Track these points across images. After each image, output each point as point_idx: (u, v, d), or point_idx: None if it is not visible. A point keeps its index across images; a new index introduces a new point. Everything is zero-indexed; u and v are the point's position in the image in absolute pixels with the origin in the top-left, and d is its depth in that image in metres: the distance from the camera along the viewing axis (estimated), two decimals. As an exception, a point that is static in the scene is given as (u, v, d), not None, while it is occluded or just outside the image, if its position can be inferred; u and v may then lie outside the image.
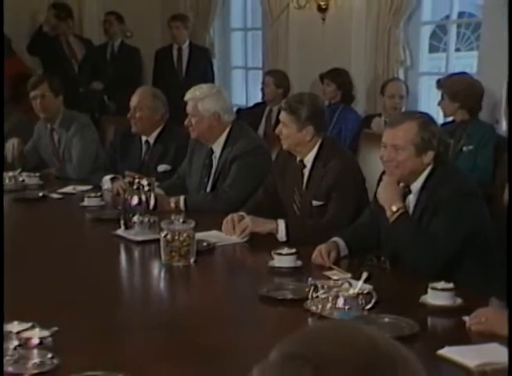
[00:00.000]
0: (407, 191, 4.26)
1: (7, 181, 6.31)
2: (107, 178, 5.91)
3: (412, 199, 4.26)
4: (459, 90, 6.59)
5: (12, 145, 7.05)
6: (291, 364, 1.22)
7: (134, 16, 10.17)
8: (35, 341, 3.01)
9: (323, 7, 8.60)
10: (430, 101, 7.32)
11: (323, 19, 8.68)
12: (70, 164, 6.78)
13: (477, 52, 7.98)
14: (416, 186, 4.23)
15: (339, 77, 8.24)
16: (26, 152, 7.00)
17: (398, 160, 4.16)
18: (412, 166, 4.17)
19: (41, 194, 6.07)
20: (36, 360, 3.00)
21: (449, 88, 6.68)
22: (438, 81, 7.01)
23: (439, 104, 6.83)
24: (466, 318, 3.35)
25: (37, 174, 6.58)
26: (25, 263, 4.62)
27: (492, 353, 3.05)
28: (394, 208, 4.10)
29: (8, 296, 3.84)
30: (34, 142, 7.06)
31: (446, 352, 2.99)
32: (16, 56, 9.76)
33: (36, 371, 2.97)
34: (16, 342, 3.01)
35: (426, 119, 4.32)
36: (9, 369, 2.97)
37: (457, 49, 8.79)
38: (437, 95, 6.95)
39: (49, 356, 3.02)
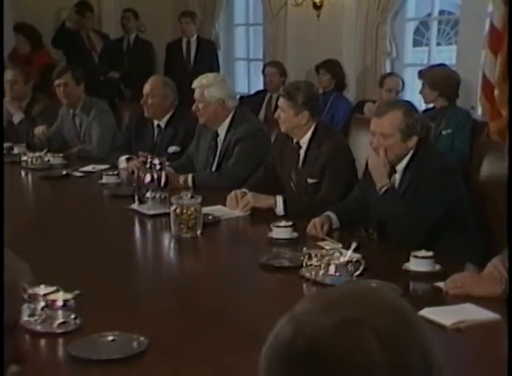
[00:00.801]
0: (392, 171, 4.28)
1: (31, 159, 6.31)
2: (123, 158, 5.91)
3: (397, 178, 4.27)
4: (439, 80, 6.66)
5: (40, 131, 7.06)
6: (348, 329, 1.16)
7: (147, 12, 10.15)
8: (59, 303, 3.03)
9: (318, 5, 8.66)
10: (413, 90, 7.32)
11: (318, 16, 8.72)
12: (90, 145, 6.79)
13: (456, 46, 8.00)
14: (400, 166, 4.25)
15: (333, 68, 8.26)
16: (51, 134, 7.00)
17: (386, 146, 4.17)
18: (398, 150, 4.19)
19: (64, 172, 6.08)
20: (61, 320, 3.01)
21: (430, 78, 6.75)
22: (420, 72, 7.04)
23: (421, 92, 6.85)
24: (441, 284, 3.37)
25: (61, 154, 6.57)
26: (50, 234, 4.66)
27: (466, 312, 3.09)
28: (379, 185, 4.13)
29: (35, 263, 3.86)
30: (57, 125, 7.05)
31: (425, 312, 2.98)
32: (44, 48, 9.76)
33: (61, 330, 2.98)
34: (42, 304, 3.02)
35: (409, 107, 4.32)
36: (37, 328, 2.98)
37: (438, 44, 8.84)
38: (419, 84, 6.97)
39: (72, 316, 3.03)
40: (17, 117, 7.21)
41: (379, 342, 1.13)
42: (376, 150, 4.21)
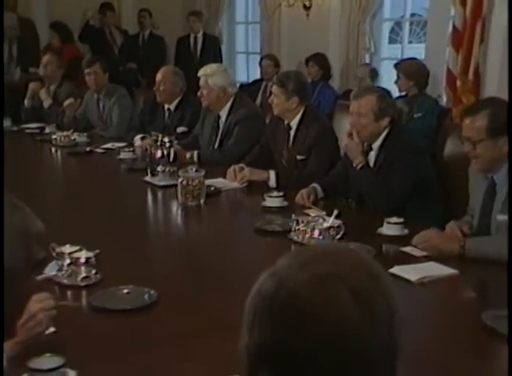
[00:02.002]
0: (369, 149, 4.28)
1: (60, 138, 6.29)
2: (138, 137, 5.90)
3: (373, 155, 4.27)
4: (414, 71, 6.66)
5: (67, 103, 7.05)
6: (326, 284, 1.15)
7: (160, 11, 10.12)
8: (82, 260, 3.04)
9: (307, 6, 8.68)
10: (389, 79, 7.32)
11: (307, 15, 8.73)
12: (111, 125, 6.77)
13: (424, 44, 8.01)
14: (376, 144, 4.25)
15: (320, 60, 8.23)
16: (77, 116, 6.98)
17: (361, 124, 4.18)
18: (372, 129, 4.19)
19: (88, 149, 6.06)
20: (83, 275, 3.02)
21: (405, 69, 6.73)
22: (396, 65, 7.03)
23: (396, 82, 6.84)
24: (407, 248, 3.41)
25: (85, 133, 6.56)
26: (75, 201, 4.70)
27: (429, 269, 3.13)
28: (355, 162, 4.14)
29: (62, 225, 3.88)
30: (83, 109, 7.03)
31: (395, 270, 3.02)
32: (73, 43, 9.75)
33: (84, 283, 2.99)
34: (68, 261, 3.04)
35: (382, 92, 4.34)
36: (64, 281, 3.00)
37: (410, 41, 8.86)
38: (394, 75, 6.96)
39: (93, 272, 3.04)
40: (47, 103, 7.20)
41: (351, 295, 1.13)
42: (350, 132, 4.24)
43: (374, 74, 7.83)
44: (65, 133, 6.43)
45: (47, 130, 6.80)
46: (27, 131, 6.94)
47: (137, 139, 5.81)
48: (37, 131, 6.88)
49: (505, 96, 4.14)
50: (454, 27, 6.53)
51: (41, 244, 1.53)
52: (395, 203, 3.99)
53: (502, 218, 3.31)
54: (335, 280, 1.15)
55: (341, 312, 1.12)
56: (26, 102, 7.34)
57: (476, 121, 3.31)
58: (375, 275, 1.20)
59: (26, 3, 9.94)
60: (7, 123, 7.13)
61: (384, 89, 4.56)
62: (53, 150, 6.19)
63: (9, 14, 9.15)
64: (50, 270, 3.04)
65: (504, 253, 2.94)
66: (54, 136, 6.38)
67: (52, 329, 2.45)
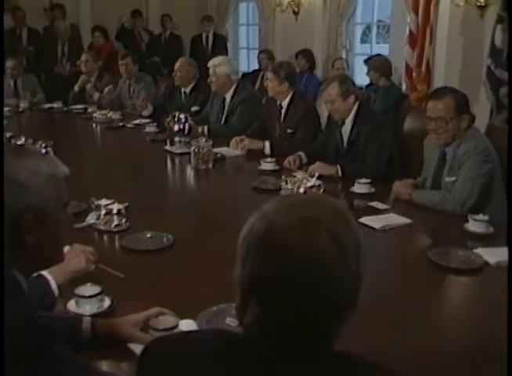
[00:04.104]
0: (341, 124, 4.26)
1: (99, 116, 6.24)
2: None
3: (347, 128, 4.24)
4: (379, 65, 6.64)
5: (107, 90, 6.99)
6: (307, 225, 1.12)
7: (179, 16, 10.03)
8: (115, 211, 3.04)
9: (296, 11, 8.65)
10: (361, 71, 7.27)
11: (296, 19, 8.69)
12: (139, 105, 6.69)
13: (388, 44, 7.96)
14: (348, 120, 4.22)
15: (307, 55, 8.15)
16: (113, 98, 6.92)
17: (334, 107, 4.18)
18: (343, 108, 4.17)
19: (120, 124, 6.01)
20: (116, 223, 3.02)
21: (373, 63, 6.74)
22: (365, 60, 7.01)
23: (367, 74, 6.81)
24: (374, 203, 3.41)
25: (119, 112, 6.51)
26: (110, 165, 4.67)
27: (389, 219, 3.14)
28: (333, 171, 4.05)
29: (100, 183, 3.86)
30: (117, 93, 6.95)
31: (363, 220, 3.02)
32: (110, 41, 9.70)
33: (116, 229, 2.99)
34: (104, 211, 3.04)
35: (342, 78, 4.36)
36: (101, 228, 3.00)
37: (377, 42, 8.80)
38: (365, 68, 6.93)
39: (124, 220, 3.04)
40: (96, 96, 7.11)
41: (328, 234, 1.11)
42: (329, 111, 4.25)
43: (347, 65, 7.80)
44: (103, 112, 6.40)
45: (89, 110, 6.74)
46: (74, 111, 6.87)
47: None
48: (81, 111, 6.81)
49: (449, 84, 4.39)
50: (410, 30, 6.58)
51: (67, 185, 1.50)
52: (375, 173, 3.87)
53: (450, 179, 3.40)
54: (314, 221, 1.12)
55: (320, 248, 1.10)
56: (75, 88, 7.26)
57: (445, 103, 3.34)
58: (346, 218, 1.18)
59: (74, 11, 9.87)
60: (59, 105, 7.12)
61: (344, 75, 4.63)
62: (94, 125, 6.13)
63: (61, 21, 9.11)
64: (90, 219, 3.04)
65: (434, 202, 3.30)
66: (94, 114, 6.34)
67: (109, 270, 2.45)
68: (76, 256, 2.27)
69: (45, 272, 2.13)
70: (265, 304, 1.12)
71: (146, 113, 6.30)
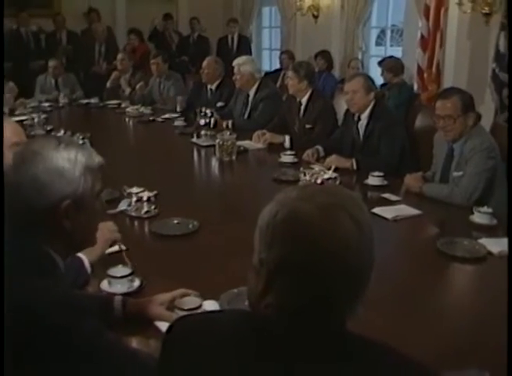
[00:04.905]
0: (358, 119, 4.22)
1: (131, 110, 6.26)
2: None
3: (362, 124, 4.20)
4: (393, 66, 6.61)
5: (139, 86, 6.98)
6: (331, 210, 1.09)
7: (206, 19, 10.00)
8: (145, 198, 3.04)
9: (316, 15, 8.53)
10: (376, 73, 7.20)
11: (316, 22, 8.57)
12: (168, 102, 6.63)
13: (401, 46, 7.89)
14: (364, 116, 4.18)
15: (325, 55, 8.08)
16: (145, 94, 6.92)
17: (355, 99, 4.13)
18: (363, 101, 4.13)
19: (151, 118, 6.00)
20: (146, 209, 3.03)
21: (387, 65, 6.69)
22: (379, 62, 6.96)
23: (381, 74, 6.77)
24: (386, 195, 3.38)
25: (150, 107, 6.50)
26: (141, 155, 4.66)
27: (401, 210, 3.13)
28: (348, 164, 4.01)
29: (131, 172, 3.87)
30: (148, 89, 6.93)
31: (376, 210, 3.01)
32: (144, 42, 9.70)
33: (146, 216, 2.99)
34: (135, 198, 3.04)
35: (366, 75, 4.41)
36: (132, 214, 3.01)
37: (391, 45, 8.73)
38: (379, 69, 6.89)
39: (153, 207, 3.04)
40: (126, 89, 7.13)
41: (350, 219, 1.09)
42: (348, 104, 4.20)
43: (361, 64, 7.73)
44: (135, 107, 6.42)
45: (122, 105, 6.74)
46: (109, 106, 6.88)
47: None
48: (115, 106, 6.82)
49: (457, 85, 4.35)
50: (421, 34, 6.57)
51: (102, 173, 1.51)
52: (387, 167, 3.82)
53: (457, 174, 3.39)
54: (337, 207, 1.10)
55: (346, 233, 1.08)
56: (108, 84, 7.29)
57: (452, 102, 3.32)
58: (362, 206, 1.16)
59: (110, 15, 9.89)
60: (96, 100, 7.13)
61: (367, 74, 4.62)
62: (126, 119, 6.14)
63: (99, 24, 9.15)
64: (122, 206, 3.05)
65: (443, 195, 3.29)
66: (127, 109, 6.36)
67: (124, 247, 2.47)
68: (103, 234, 2.28)
69: (79, 253, 2.15)
70: (290, 285, 1.10)
71: (179, 108, 6.28)
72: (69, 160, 1.42)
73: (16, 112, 5.89)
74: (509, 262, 2.39)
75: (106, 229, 2.35)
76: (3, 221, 1.37)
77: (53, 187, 1.39)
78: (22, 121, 5.19)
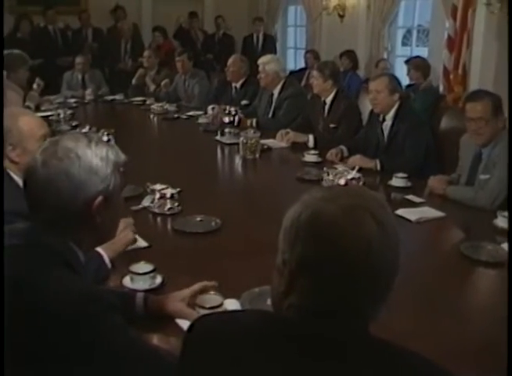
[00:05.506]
0: (382, 120, 4.19)
1: (156, 107, 6.28)
2: (210, 107, 5.78)
3: (387, 125, 4.17)
4: (420, 64, 6.56)
5: (163, 83, 7.00)
6: (354, 211, 1.09)
7: (231, 17, 10.03)
8: (169, 195, 3.05)
9: (342, 14, 8.49)
10: (402, 73, 7.14)
11: (341, 21, 8.53)
12: (193, 99, 6.71)
13: (428, 47, 7.85)
14: (389, 116, 4.15)
15: (351, 55, 8.06)
16: (169, 91, 6.95)
17: (378, 99, 4.10)
18: (387, 101, 4.09)
19: (175, 116, 6.02)
20: (169, 206, 3.03)
21: (414, 63, 6.62)
22: (406, 61, 6.90)
23: (407, 74, 6.73)
24: (410, 196, 3.36)
25: (174, 104, 6.51)
26: (165, 152, 4.68)
27: (424, 212, 3.10)
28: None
29: (155, 169, 3.88)
30: (173, 87, 6.98)
31: (399, 212, 2.99)
32: (168, 40, 9.72)
33: (169, 213, 3.00)
34: (158, 195, 3.05)
35: (392, 75, 4.36)
36: (155, 210, 3.01)
37: (417, 45, 8.65)
38: (405, 69, 6.83)
39: (176, 204, 3.05)
40: (152, 87, 7.16)
41: (374, 220, 1.09)
42: (372, 103, 4.17)
43: (390, 66, 7.72)
44: (160, 104, 6.44)
45: (147, 102, 6.77)
46: (134, 103, 6.90)
47: (209, 109, 5.71)
48: (140, 102, 6.85)
49: (483, 87, 4.41)
50: (448, 35, 6.53)
51: (125, 170, 1.53)
52: (411, 168, 3.79)
53: (484, 177, 3.35)
54: (361, 209, 1.10)
55: (369, 234, 1.08)
56: (133, 80, 7.33)
57: (483, 105, 3.28)
58: (387, 208, 1.15)
59: (136, 12, 9.94)
60: (121, 97, 7.17)
61: (393, 74, 4.57)
62: (151, 116, 6.16)
63: (125, 21, 9.21)
64: (145, 202, 3.06)
65: (467, 198, 3.25)
66: (152, 106, 6.38)
67: (146, 244, 2.49)
68: (123, 230, 2.33)
69: (98, 248, 2.16)
70: (312, 286, 1.10)
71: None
72: (101, 157, 1.45)
73: (42, 108, 5.93)
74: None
75: (127, 228, 2.36)
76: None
77: (88, 184, 1.42)
78: (47, 116, 5.24)
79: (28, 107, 4.70)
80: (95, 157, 1.44)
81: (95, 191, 1.42)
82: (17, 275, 1.33)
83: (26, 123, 2.39)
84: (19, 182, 2.22)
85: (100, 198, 1.43)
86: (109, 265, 2.23)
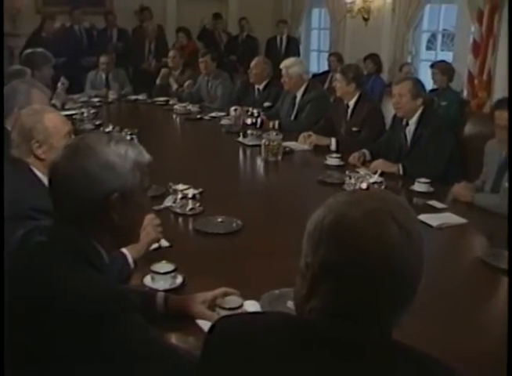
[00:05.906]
0: (406, 125, 4.16)
1: (179, 108, 6.29)
2: (232, 108, 5.79)
3: (410, 129, 4.14)
4: (446, 68, 6.48)
5: (187, 83, 7.02)
6: (377, 215, 1.10)
7: (255, 19, 10.05)
8: (190, 195, 3.06)
9: (366, 18, 8.39)
10: (426, 77, 7.10)
11: (366, 25, 8.44)
12: (216, 100, 6.71)
13: (452, 51, 7.80)
14: (412, 121, 4.12)
15: (374, 59, 8.01)
16: (193, 92, 6.96)
17: (401, 103, 4.07)
18: (410, 106, 4.06)
19: (198, 116, 6.02)
20: (190, 207, 3.04)
21: (440, 67, 6.54)
22: (431, 65, 6.83)
23: (432, 78, 6.65)
24: (432, 202, 3.33)
25: (197, 105, 6.52)
26: (187, 153, 4.69)
27: (446, 218, 3.08)
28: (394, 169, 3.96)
29: (177, 170, 3.89)
30: (196, 87, 6.96)
31: (421, 217, 2.94)
32: (192, 40, 9.75)
33: (190, 213, 3.01)
34: (180, 195, 3.07)
35: (416, 79, 4.34)
36: (177, 211, 3.03)
37: (442, 49, 8.63)
38: (429, 73, 6.74)
39: (198, 205, 3.06)
40: (174, 87, 7.20)
41: (396, 224, 1.09)
42: (395, 107, 4.15)
43: (415, 70, 7.67)
44: (183, 104, 6.45)
45: (170, 102, 6.80)
46: (157, 103, 6.92)
47: (232, 110, 5.71)
48: (163, 103, 6.87)
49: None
50: (474, 40, 6.50)
51: (150, 171, 1.53)
52: (434, 174, 3.75)
53: None
54: (384, 213, 1.10)
55: (392, 239, 1.07)
56: (157, 80, 7.37)
57: None
58: (411, 212, 1.15)
59: (161, 13, 10.01)
60: (144, 97, 7.19)
61: (418, 79, 4.53)
62: (174, 116, 6.18)
63: (150, 22, 9.28)
64: (167, 202, 3.07)
65: (493, 204, 3.19)
66: (175, 106, 6.40)
67: (167, 244, 2.50)
68: (144, 228, 2.29)
69: (123, 248, 2.17)
70: (334, 289, 1.10)
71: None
72: (119, 155, 1.45)
73: (66, 106, 5.98)
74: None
75: (151, 227, 2.36)
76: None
77: (103, 180, 1.42)
78: (71, 115, 5.28)
79: (54, 106, 4.72)
80: (113, 154, 1.44)
81: (110, 187, 1.42)
82: (41, 271, 1.35)
83: (51, 120, 2.41)
84: (44, 179, 2.25)
85: (116, 195, 1.43)
86: (132, 265, 2.25)
